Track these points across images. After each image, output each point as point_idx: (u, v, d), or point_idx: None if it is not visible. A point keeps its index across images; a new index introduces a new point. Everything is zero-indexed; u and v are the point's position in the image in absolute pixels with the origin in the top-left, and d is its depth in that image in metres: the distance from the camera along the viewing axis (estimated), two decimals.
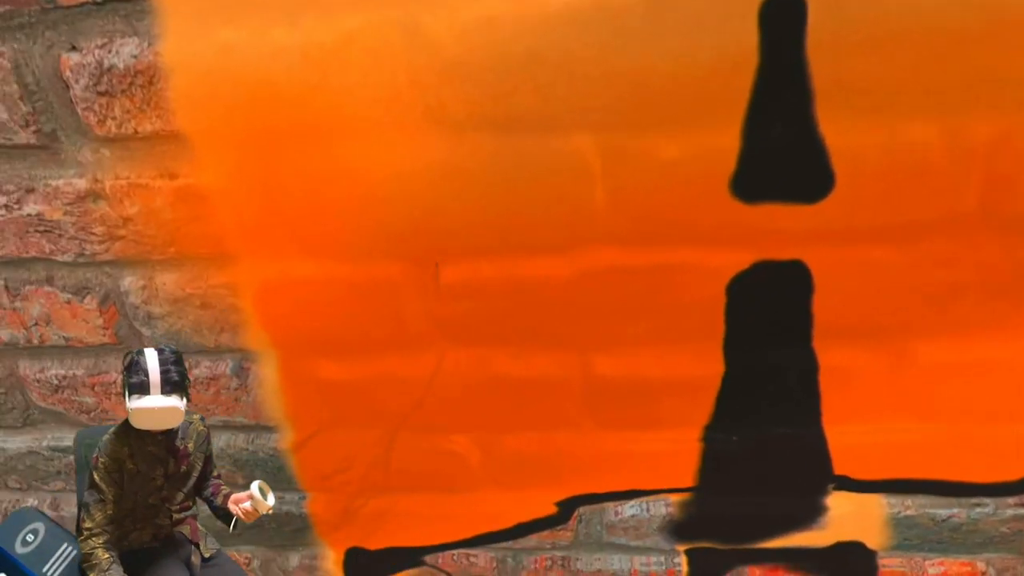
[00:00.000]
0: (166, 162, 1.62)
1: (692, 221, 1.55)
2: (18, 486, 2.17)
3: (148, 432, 1.59)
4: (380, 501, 2.07)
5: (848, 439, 1.81)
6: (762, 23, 1.35)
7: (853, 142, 1.44)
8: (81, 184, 1.68)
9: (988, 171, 1.44)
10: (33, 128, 1.61)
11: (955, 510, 1.88)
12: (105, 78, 1.53)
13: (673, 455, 1.88)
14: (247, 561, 2.23)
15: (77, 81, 1.55)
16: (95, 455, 1.60)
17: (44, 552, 1.83)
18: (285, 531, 2.15)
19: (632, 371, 1.77)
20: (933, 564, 1.98)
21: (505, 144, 1.50)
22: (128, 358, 1.50)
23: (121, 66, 1.52)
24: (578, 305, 1.68)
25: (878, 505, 1.90)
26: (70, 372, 1.95)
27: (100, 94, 1.55)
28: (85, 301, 1.84)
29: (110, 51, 1.51)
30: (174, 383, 1.49)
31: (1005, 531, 1.88)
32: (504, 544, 2.10)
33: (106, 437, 1.61)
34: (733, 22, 1.34)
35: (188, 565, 1.74)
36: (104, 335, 1.88)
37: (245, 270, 1.74)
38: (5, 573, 1.81)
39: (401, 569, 2.19)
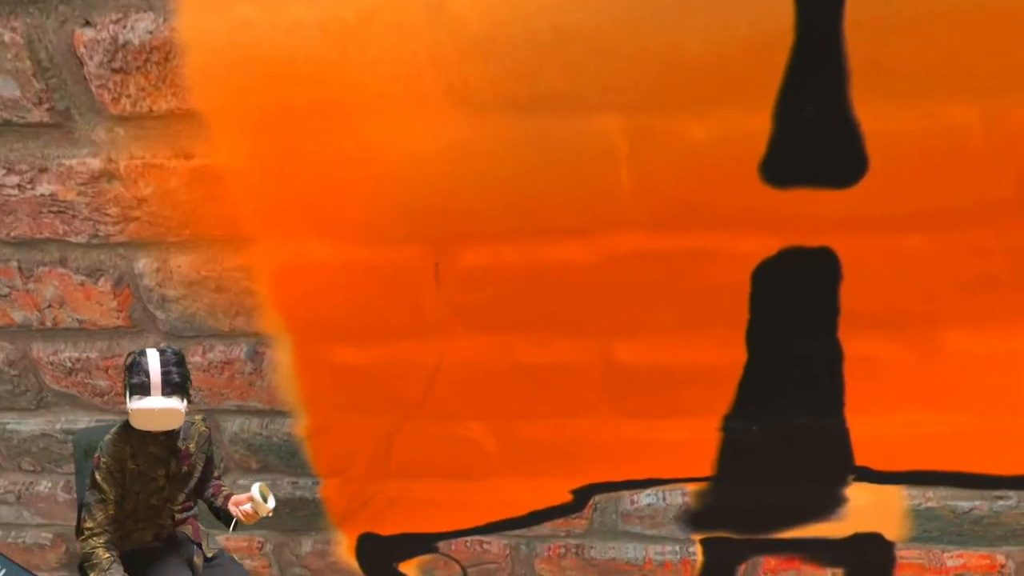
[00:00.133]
0: (181, 141, 1.59)
1: (719, 206, 1.52)
2: (31, 468, 2.17)
3: (150, 433, 1.59)
4: (393, 487, 2.06)
5: (871, 430, 1.79)
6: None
7: (888, 126, 1.40)
8: (95, 164, 1.65)
9: None
10: (46, 106, 1.58)
11: (977, 502, 1.86)
12: (120, 54, 1.50)
13: (692, 444, 1.87)
14: (259, 545, 2.23)
15: (91, 57, 1.51)
16: (97, 455, 1.60)
17: None
18: (298, 516, 2.14)
19: (653, 358, 1.74)
20: (952, 556, 1.96)
21: (529, 125, 1.46)
22: (130, 359, 1.50)
23: (136, 42, 1.48)
24: (600, 291, 1.65)
25: (898, 497, 1.88)
26: (84, 355, 1.93)
27: (115, 71, 1.52)
28: (99, 283, 1.82)
29: (125, 26, 1.48)
30: (175, 384, 1.49)
31: None
32: (517, 531, 2.09)
33: (108, 437, 1.61)
34: None
35: (190, 565, 1.74)
36: (118, 318, 1.86)
37: (261, 252, 1.71)
38: None
39: (413, 555, 2.19)
